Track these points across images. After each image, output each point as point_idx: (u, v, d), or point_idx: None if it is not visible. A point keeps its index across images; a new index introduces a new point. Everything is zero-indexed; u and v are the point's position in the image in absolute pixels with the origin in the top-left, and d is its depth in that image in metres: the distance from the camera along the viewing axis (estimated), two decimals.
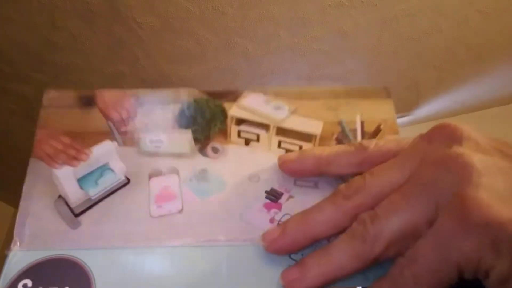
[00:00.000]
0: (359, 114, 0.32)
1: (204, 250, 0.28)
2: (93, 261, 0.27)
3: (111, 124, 0.33)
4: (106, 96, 0.33)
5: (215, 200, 0.30)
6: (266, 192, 0.30)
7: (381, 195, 0.24)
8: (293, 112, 0.33)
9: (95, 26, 0.71)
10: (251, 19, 0.77)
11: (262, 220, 0.29)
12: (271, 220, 0.29)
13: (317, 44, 0.86)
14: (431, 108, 1.04)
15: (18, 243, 0.28)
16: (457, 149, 0.22)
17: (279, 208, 0.29)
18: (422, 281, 0.22)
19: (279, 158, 0.30)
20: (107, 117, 0.33)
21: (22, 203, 0.29)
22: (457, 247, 0.20)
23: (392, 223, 0.23)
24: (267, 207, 0.29)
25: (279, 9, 0.76)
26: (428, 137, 0.24)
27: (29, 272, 0.27)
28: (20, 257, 0.28)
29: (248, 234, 0.29)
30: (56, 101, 0.33)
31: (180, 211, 0.29)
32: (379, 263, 0.24)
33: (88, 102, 0.33)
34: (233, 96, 0.33)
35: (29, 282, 0.27)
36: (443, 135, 0.23)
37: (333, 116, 0.33)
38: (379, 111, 0.33)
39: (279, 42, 0.83)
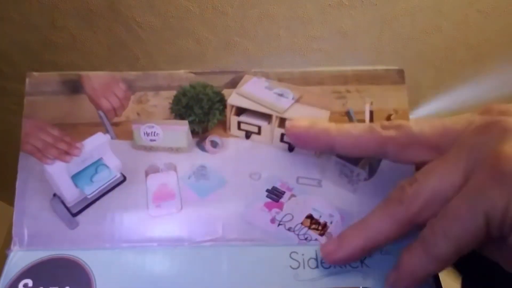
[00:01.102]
0: (368, 103, 0.30)
1: (205, 250, 0.28)
2: (93, 260, 0.27)
3: (102, 114, 0.30)
4: (94, 80, 0.31)
5: (214, 199, 0.29)
6: (267, 190, 0.30)
7: (441, 199, 0.23)
8: (298, 100, 0.31)
9: (95, 26, 0.71)
10: (251, 19, 0.77)
11: (263, 220, 0.29)
12: (272, 220, 0.29)
13: (317, 44, 0.86)
14: (431, 108, 1.04)
15: (17, 243, 0.28)
16: (503, 118, 0.22)
17: (281, 208, 0.29)
18: (451, 233, 0.21)
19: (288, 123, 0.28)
20: (97, 105, 0.30)
21: (17, 202, 0.29)
22: (486, 195, 0.20)
23: (429, 184, 0.22)
24: (268, 206, 0.29)
25: (279, 9, 0.76)
26: (480, 112, 0.23)
27: (29, 271, 0.27)
28: (20, 256, 0.28)
29: (249, 234, 0.29)
30: (40, 87, 0.30)
31: (180, 210, 0.28)
32: (417, 229, 0.24)
33: (74, 87, 0.30)
34: (233, 80, 0.30)
35: (29, 282, 0.27)
36: (494, 110, 0.23)
37: (341, 104, 0.30)
38: (391, 98, 0.31)
39: (279, 42, 0.83)
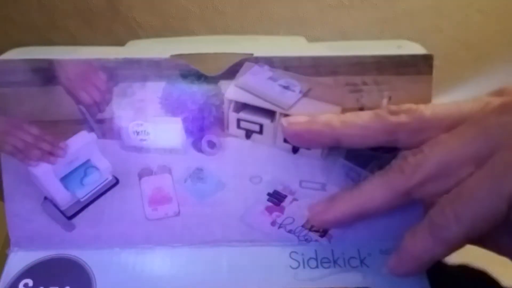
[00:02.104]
0: (386, 98, 0.28)
1: (204, 250, 0.28)
2: (93, 260, 0.27)
3: (83, 109, 0.28)
4: (69, 69, 0.27)
5: (213, 202, 0.29)
6: (268, 194, 0.29)
7: (446, 174, 0.21)
8: (306, 93, 0.28)
9: (95, 26, 0.71)
10: (251, 19, 0.77)
11: (263, 223, 0.29)
12: (273, 223, 0.29)
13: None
14: None
15: (16, 244, 0.28)
16: None
17: (282, 212, 0.29)
18: (465, 216, 0.20)
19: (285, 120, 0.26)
20: (75, 99, 0.28)
21: (7, 205, 0.28)
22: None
23: (435, 156, 0.21)
24: (269, 210, 0.29)
25: (279, 9, 0.76)
26: (495, 93, 0.22)
27: (30, 271, 0.27)
28: (21, 256, 0.28)
29: (249, 236, 0.29)
30: (6, 76, 0.27)
31: (177, 214, 0.28)
32: (411, 200, 0.23)
33: (47, 77, 0.27)
34: (231, 69, 0.27)
35: (30, 282, 0.27)
36: (509, 91, 0.22)
37: (355, 99, 0.28)
38: (414, 91, 0.28)
39: None
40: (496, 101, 0.22)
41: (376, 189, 0.23)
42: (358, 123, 0.24)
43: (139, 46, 0.28)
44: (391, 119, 0.24)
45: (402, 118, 0.23)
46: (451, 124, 0.22)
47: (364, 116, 0.24)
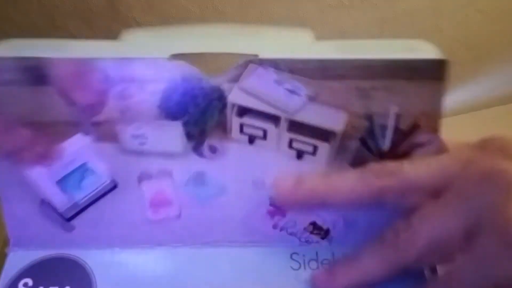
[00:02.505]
0: (394, 105, 0.27)
1: (205, 250, 0.28)
2: (93, 260, 0.27)
3: (78, 112, 0.26)
4: (62, 68, 0.25)
5: (214, 205, 0.29)
6: (270, 198, 0.29)
7: (438, 247, 0.22)
8: (312, 98, 0.26)
9: (95, 26, 0.71)
10: (251, 19, 0.77)
11: (264, 225, 0.29)
12: (274, 226, 0.29)
13: None
14: None
15: (16, 244, 0.28)
16: (505, 166, 0.21)
17: (284, 215, 0.29)
18: None
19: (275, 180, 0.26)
20: (69, 101, 0.25)
21: (5, 206, 0.28)
22: (497, 267, 0.19)
23: (425, 232, 0.22)
24: (271, 213, 0.29)
25: (279, 9, 0.76)
26: (478, 146, 0.23)
27: (29, 271, 0.27)
28: (20, 256, 0.28)
29: (250, 237, 0.29)
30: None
31: (178, 216, 0.28)
32: (411, 270, 0.24)
33: (40, 76, 0.25)
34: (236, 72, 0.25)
35: (29, 281, 0.27)
36: (493, 145, 0.22)
37: (363, 105, 0.26)
38: (425, 98, 0.26)
39: None
40: (479, 163, 0.22)
41: (372, 264, 0.24)
42: (343, 187, 0.24)
43: (136, 40, 0.27)
44: (376, 183, 0.24)
45: (387, 181, 0.24)
46: (435, 186, 0.23)
47: (349, 179, 0.24)
